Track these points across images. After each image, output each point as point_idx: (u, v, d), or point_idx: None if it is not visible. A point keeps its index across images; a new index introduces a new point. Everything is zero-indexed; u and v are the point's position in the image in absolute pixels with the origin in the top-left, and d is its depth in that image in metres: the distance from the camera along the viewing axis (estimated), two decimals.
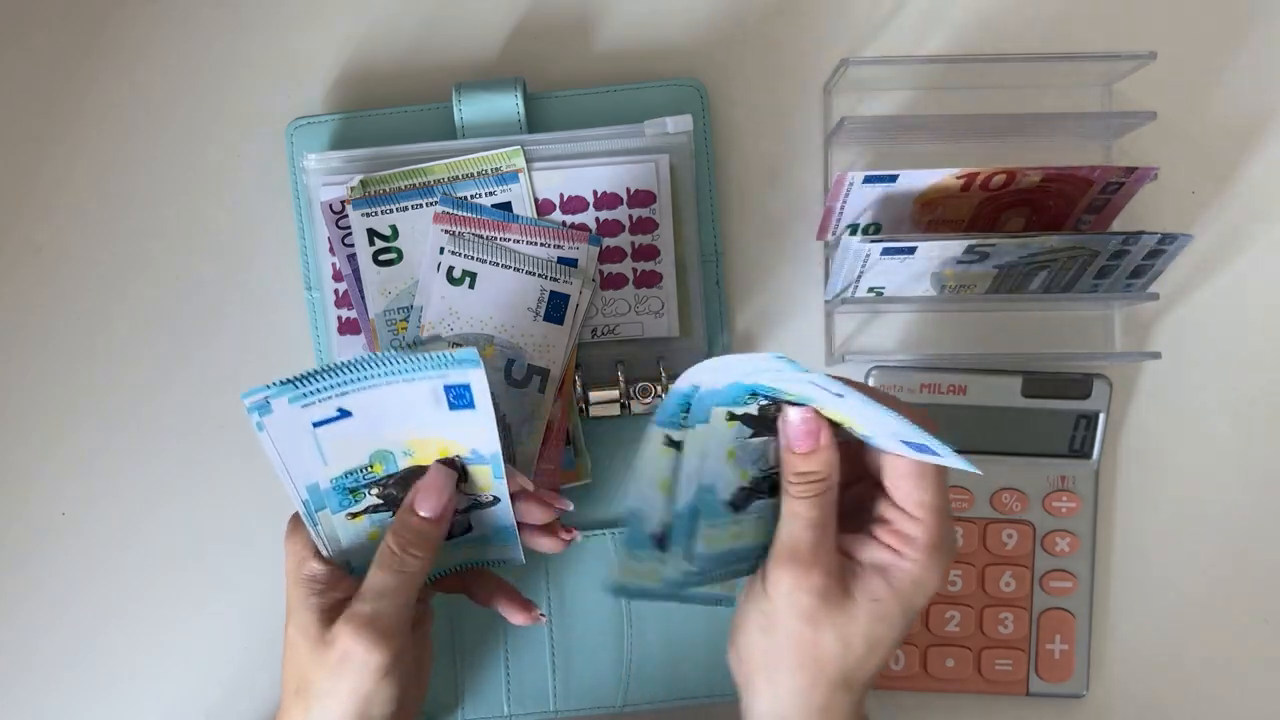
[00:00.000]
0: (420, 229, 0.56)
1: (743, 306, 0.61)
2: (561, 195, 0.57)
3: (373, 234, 0.56)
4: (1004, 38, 0.61)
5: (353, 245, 0.57)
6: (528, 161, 0.57)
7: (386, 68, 0.61)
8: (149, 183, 0.61)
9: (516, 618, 0.52)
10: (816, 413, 0.45)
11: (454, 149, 0.57)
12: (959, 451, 0.58)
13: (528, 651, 0.59)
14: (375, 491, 0.48)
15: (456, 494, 0.48)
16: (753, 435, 0.47)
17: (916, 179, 0.54)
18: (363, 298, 0.57)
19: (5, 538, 0.61)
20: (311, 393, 0.44)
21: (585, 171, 0.57)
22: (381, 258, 0.56)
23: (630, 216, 0.57)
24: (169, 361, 0.61)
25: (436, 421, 0.46)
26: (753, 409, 0.46)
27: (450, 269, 0.55)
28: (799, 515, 0.45)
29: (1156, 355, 0.57)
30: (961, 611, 0.59)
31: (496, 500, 0.49)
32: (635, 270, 0.58)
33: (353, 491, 0.47)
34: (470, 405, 0.45)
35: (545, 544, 0.51)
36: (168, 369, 0.61)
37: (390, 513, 0.48)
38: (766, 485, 0.48)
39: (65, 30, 0.61)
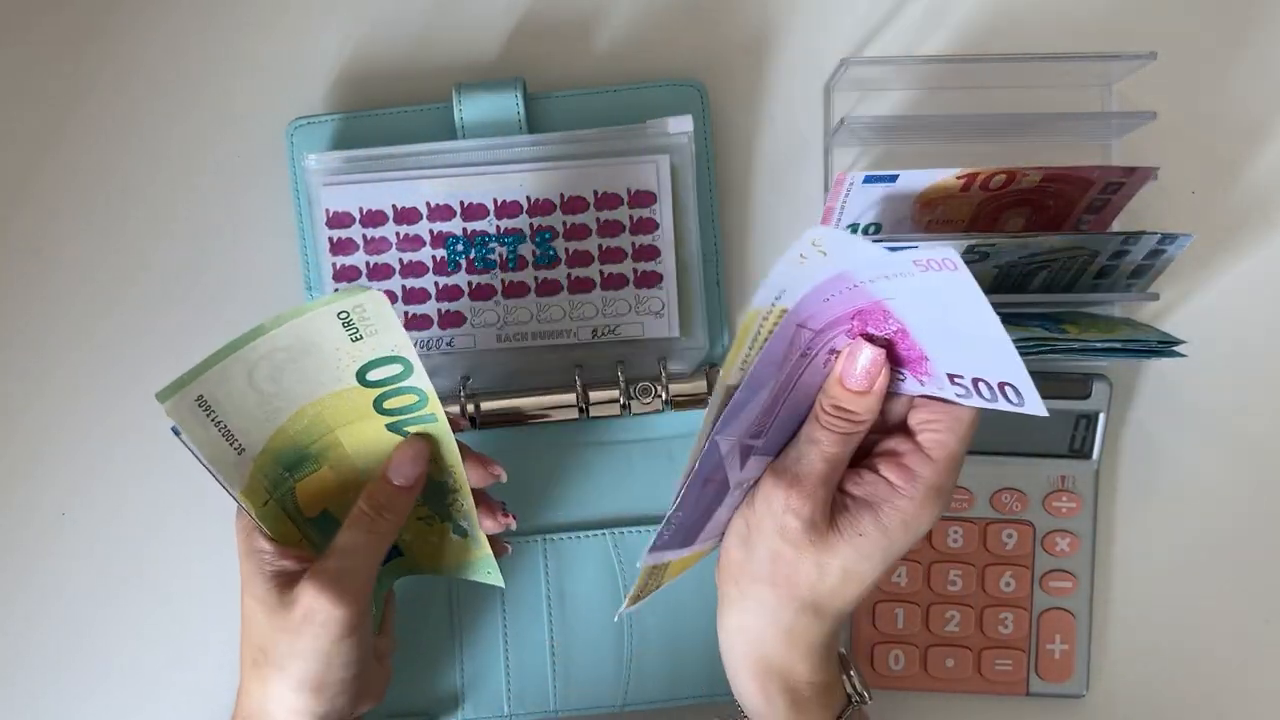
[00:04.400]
0: None
1: (743, 306, 0.61)
2: (562, 195, 0.57)
3: None
4: (1004, 38, 0.61)
5: (342, 256, 0.57)
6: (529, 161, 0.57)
7: (387, 68, 0.61)
8: (149, 183, 0.61)
9: (486, 523, 0.52)
10: (884, 355, 0.44)
11: (454, 149, 0.57)
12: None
13: (528, 651, 0.59)
14: None
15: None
16: None
17: (916, 179, 0.54)
18: None
19: (5, 538, 0.61)
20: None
21: (586, 172, 0.57)
22: None
23: (631, 217, 0.57)
24: (169, 361, 0.60)
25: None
26: None
27: None
28: (819, 444, 0.45)
29: None
30: (961, 611, 0.59)
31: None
32: (636, 270, 0.58)
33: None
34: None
35: (484, 524, 0.51)
36: (168, 369, 0.60)
37: None
38: None
39: (64, 31, 0.61)
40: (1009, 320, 0.56)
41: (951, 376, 0.44)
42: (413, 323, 0.58)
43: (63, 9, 0.61)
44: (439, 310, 0.58)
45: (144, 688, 0.60)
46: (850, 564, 0.44)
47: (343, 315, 0.44)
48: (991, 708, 0.60)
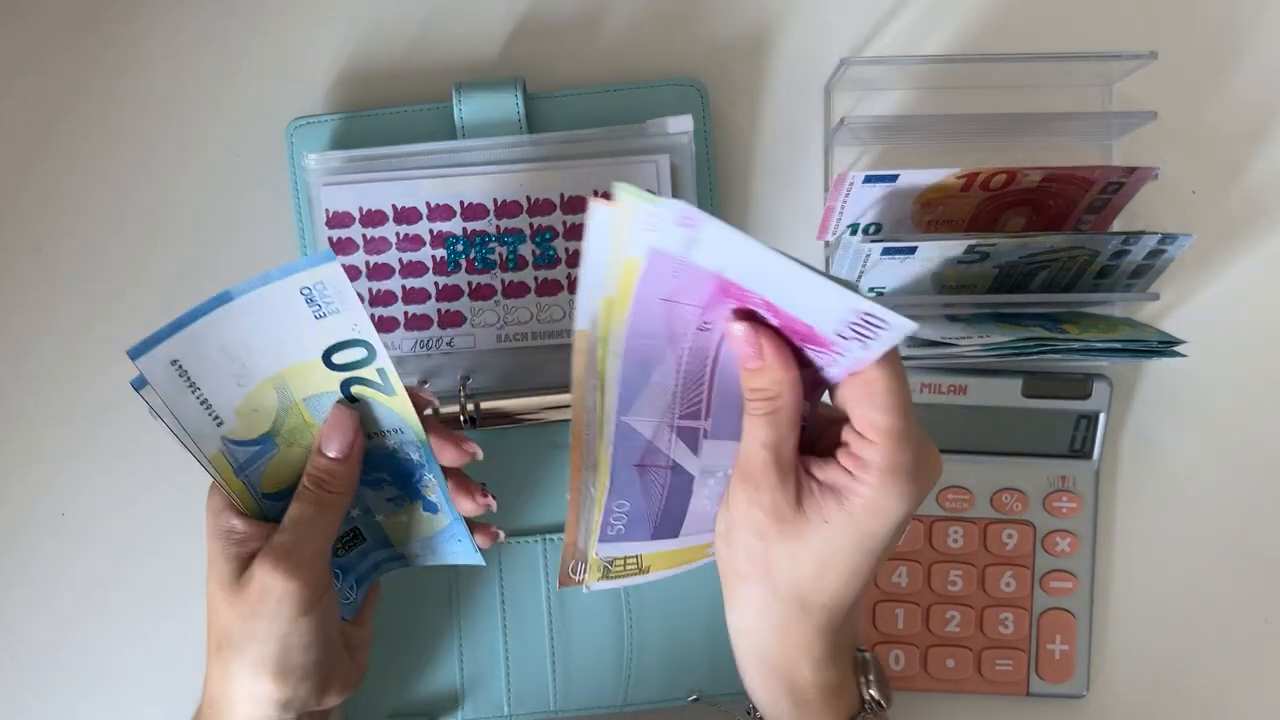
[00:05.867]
0: None
1: None
2: (562, 195, 0.57)
3: None
4: (1004, 38, 0.61)
5: (342, 256, 0.57)
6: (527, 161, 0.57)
7: (386, 67, 0.61)
8: (149, 182, 0.61)
9: (464, 504, 0.51)
10: (756, 323, 0.42)
11: (454, 149, 0.57)
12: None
13: (528, 651, 0.59)
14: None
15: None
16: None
17: (917, 179, 0.54)
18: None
19: (5, 538, 0.61)
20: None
21: (585, 171, 0.57)
22: None
23: None
24: None
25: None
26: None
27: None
28: (751, 433, 0.43)
29: None
30: (962, 611, 0.59)
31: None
32: None
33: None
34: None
35: (462, 505, 0.50)
36: None
37: None
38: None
39: (64, 30, 0.61)
40: (1009, 320, 0.57)
41: (833, 341, 0.41)
42: (413, 322, 0.58)
43: (63, 8, 0.61)
44: (439, 310, 0.58)
45: (141, 685, 0.60)
46: (823, 553, 0.43)
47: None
48: (991, 708, 0.60)
